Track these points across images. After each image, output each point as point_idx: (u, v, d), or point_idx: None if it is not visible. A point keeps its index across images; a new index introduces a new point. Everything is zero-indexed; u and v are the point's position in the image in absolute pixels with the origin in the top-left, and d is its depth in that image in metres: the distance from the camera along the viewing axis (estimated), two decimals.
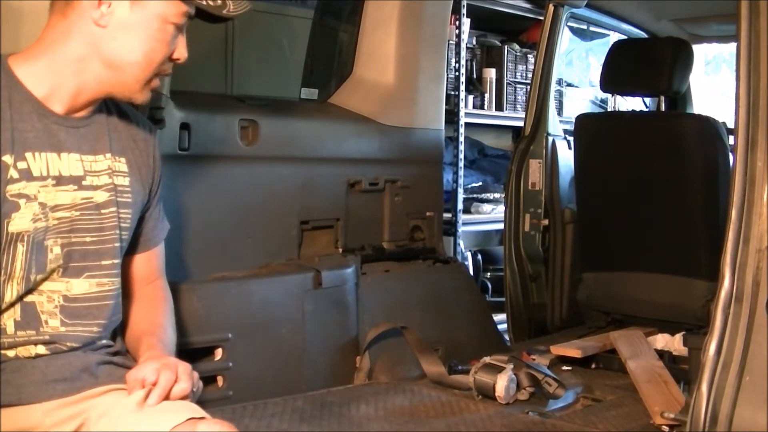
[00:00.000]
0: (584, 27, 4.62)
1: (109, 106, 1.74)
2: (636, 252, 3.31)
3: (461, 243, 4.37)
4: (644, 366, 2.74)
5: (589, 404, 2.57)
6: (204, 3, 1.68)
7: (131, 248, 1.81)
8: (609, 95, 3.81)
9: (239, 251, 2.66)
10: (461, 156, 4.35)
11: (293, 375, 2.59)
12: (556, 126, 3.72)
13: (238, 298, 2.52)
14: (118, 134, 1.75)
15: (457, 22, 4.29)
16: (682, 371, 2.68)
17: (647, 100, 3.96)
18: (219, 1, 1.71)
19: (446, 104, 3.60)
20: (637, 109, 4.03)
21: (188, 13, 1.66)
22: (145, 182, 1.80)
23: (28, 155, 1.57)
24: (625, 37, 4.06)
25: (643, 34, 4.04)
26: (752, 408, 1.73)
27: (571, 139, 3.61)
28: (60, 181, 1.61)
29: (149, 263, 1.87)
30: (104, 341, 1.69)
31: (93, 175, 1.67)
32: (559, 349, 2.99)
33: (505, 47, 4.87)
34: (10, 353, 1.58)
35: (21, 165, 1.56)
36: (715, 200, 3.03)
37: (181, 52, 1.69)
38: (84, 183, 1.65)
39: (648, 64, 3.28)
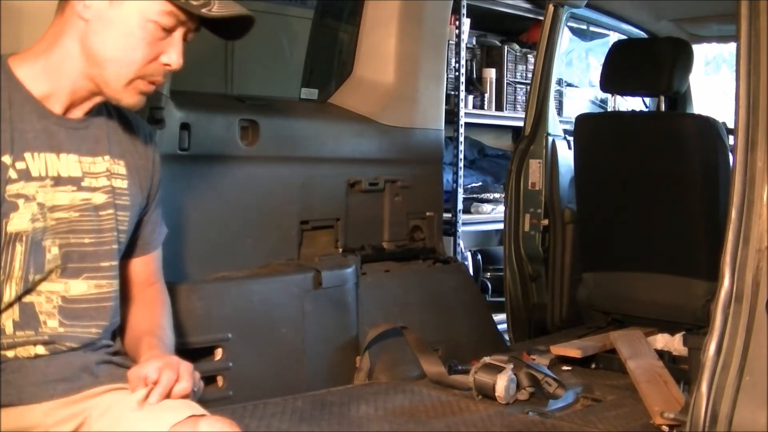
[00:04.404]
0: (584, 27, 4.62)
1: (110, 109, 1.74)
2: (636, 252, 3.31)
3: (461, 243, 4.37)
4: (644, 366, 2.74)
5: (589, 404, 2.57)
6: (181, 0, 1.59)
7: (129, 252, 1.80)
8: (609, 95, 3.81)
9: (239, 251, 2.66)
10: (461, 156, 4.35)
11: (293, 375, 2.59)
12: (556, 126, 3.72)
13: (238, 298, 2.52)
14: (118, 137, 1.75)
15: (457, 22, 4.29)
16: (682, 371, 2.68)
17: (647, 100, 3.96)
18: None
19: (446, 104, 3.60)
20: (637, 109, 4.03)
21: (174, 13, 1.60)
22: (143, 186, 1.79)
23: (27, 155, 1.57)
24: (625, 37, 4.06)
25: (643, 34, 4.04)
26: (752, 408, 1.73)
27: (571, 139, 3.61)
28: (58, 181, 1.61)
29: (147, 267, 1.86)
30: (104, 341, 1.69)
31: (91, 176, 1.67)
32: (559, 349, 2.99)
33: (505, 47, 4.87)
34: (10, 353, 1.58)
35: (20, 165, 1.56)
36: (715, 200, 3.03)
37: (172, 58, 1.63)
38: (82, 184, 1.65)
39: (648, 64, 3.28)
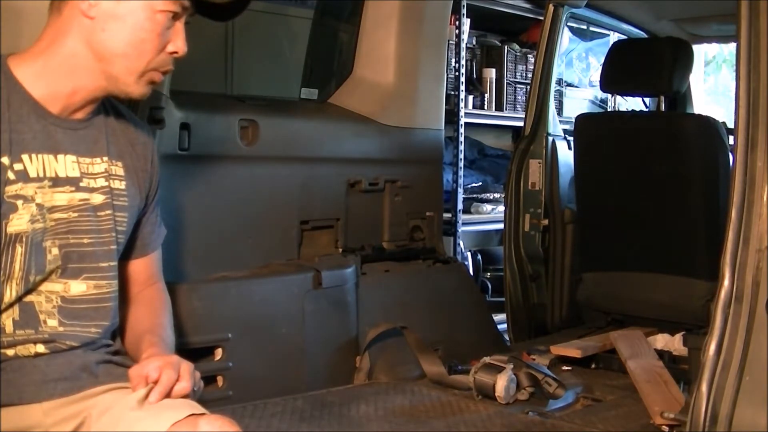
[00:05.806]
0: (584, 27, 4.62)
1: (108, 109, 1.74)
2: (636, 252, 3.31)
3: (461, 243, 4.37)
4: (644, 366, 2.74)
5: (589, 404, 2.57)
6: None
7: (129, 253, 1.80)
8: (609, 95, 3.81)
9: (239, 251, 2.66)
10: (461, 156, 4.35)
11: (293, 375, 2.59)
12: (556, 126, 3.72)
13: (238, 298, 2.52)
14: (116, 138, 1.75)
15: (457, 22, 4.29)
16: (682, 371, 2.68)
17: (647, 100, 3.96)
18: None
19: (446, 104, 3.59)
20: (637, 109, 4.03)
21: (180, 2, 1.63)
22: (141, 187, 1.79)
23: (25, 157, 1.57)
24: (625, 37, 4.06)
25: (643, 34, 4.04)
26: (752, 408, 1.73)
27: (571, 139, 3.61)
28: (57, 182, 1.61)
29: (147, 268, 1.86)
30: (104, 341, 1.69)
31: (90, 177, 1.67)
32: (559, 349, 2.99)
33: (505, 47, 4.87)
34: (10, 352, 1.58)
35: (18, 166, 1.56)
36: (715, 200, 3.03)
37: (179, 45, 1.66)
38: (81, 185, 1.65)
39: (648, 64, 3.28)
